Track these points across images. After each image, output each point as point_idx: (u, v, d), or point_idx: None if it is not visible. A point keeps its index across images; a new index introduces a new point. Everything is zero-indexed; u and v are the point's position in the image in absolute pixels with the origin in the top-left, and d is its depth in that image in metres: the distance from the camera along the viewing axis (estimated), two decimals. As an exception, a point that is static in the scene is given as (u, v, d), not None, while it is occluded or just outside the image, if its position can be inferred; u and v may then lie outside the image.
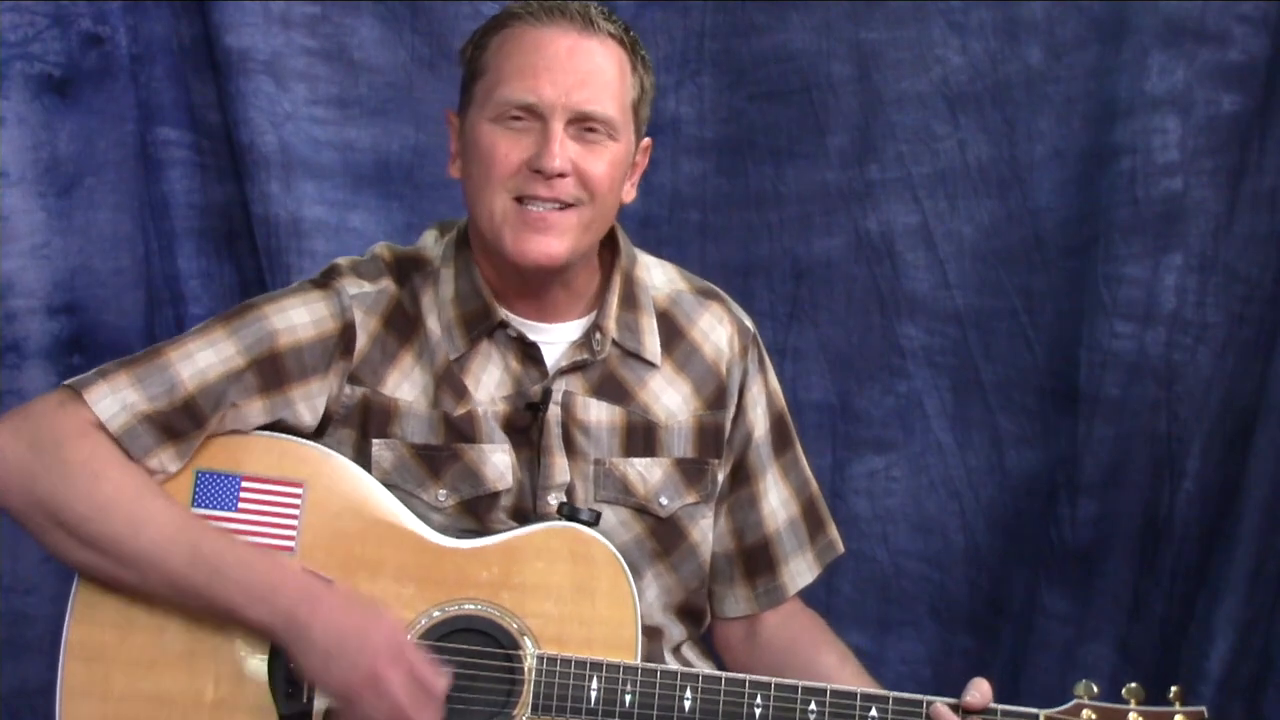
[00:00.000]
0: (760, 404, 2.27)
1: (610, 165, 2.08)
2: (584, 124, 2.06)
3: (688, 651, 2.25)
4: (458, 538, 2.08)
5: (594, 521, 2.08)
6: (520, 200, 2.06)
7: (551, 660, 2.03)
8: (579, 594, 2.05)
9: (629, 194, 2.17)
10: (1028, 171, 2.92)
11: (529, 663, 2.03)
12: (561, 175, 2.04)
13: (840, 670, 2.21)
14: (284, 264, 2.88)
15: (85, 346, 2.81)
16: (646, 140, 2.18)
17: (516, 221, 2.06)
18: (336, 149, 2.93)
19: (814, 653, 2.25)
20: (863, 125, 2.96)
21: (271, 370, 2.07)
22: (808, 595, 2.37)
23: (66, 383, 2.05)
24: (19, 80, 2.75)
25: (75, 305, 2.82)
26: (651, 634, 2.16)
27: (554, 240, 2.06)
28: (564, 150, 2.04)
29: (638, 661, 2.04)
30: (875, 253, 2.98)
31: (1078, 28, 2.89)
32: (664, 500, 2.18)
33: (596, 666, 2.03)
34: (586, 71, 2.05)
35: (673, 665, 2.13)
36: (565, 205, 2.06)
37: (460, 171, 2.14)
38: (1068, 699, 2.08)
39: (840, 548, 2.34)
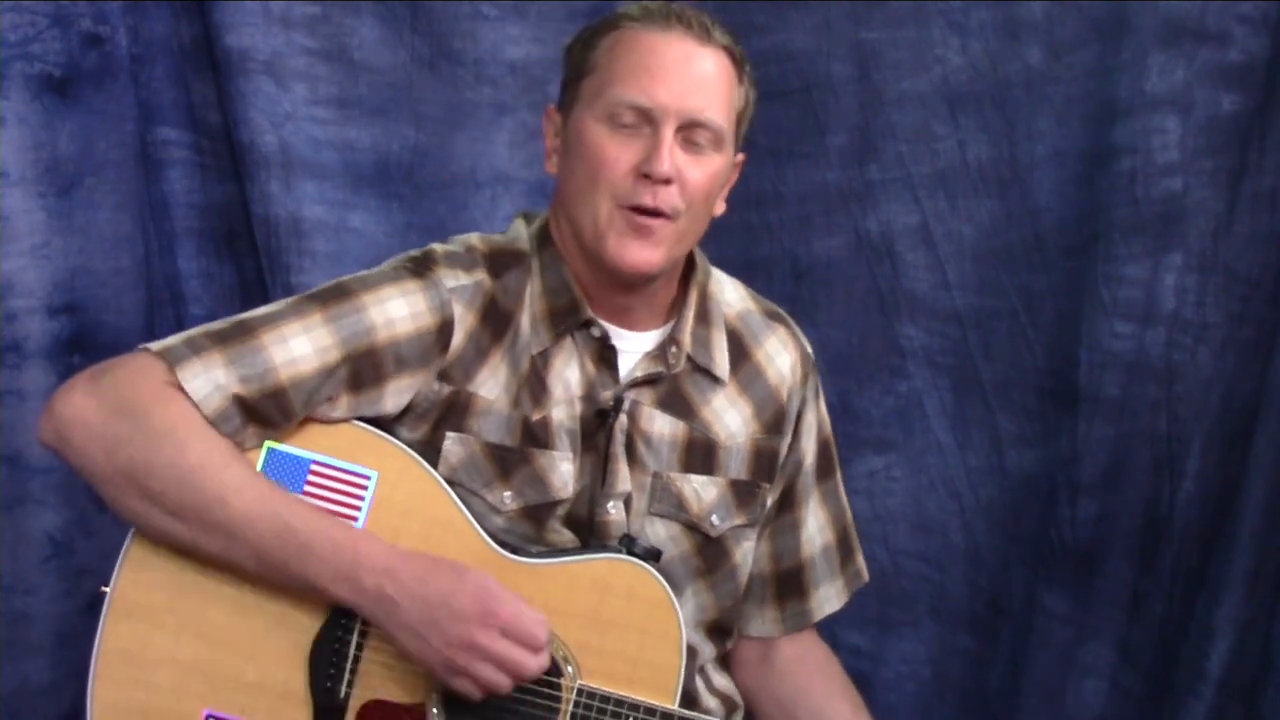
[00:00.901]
0: (813, 432, 2.27)
1: (710, 176, 2.08)
2: (692, 131, 2.06)
3: (710, 670, 2.25)
4: (517, 553, 2.06)
5: (653, 558, 2.06)
6: (625, 207, 2.05)
7: (591, 693, 2.02)
8: (628, 631, 2.04)
9: (719, 207, 2.17)
10: (1028, 171, 2.92)
11: (570, 693, 2.02)
12: (668, 181, 2.04)
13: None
14: (284, 264, 2.88)
15: (85, 346, 2.81)
16: (741, 155, 2.18)
17: (622, 226, 2.05)
18: (336, 149, 2.93)
19: (828, 698, 2.27)
20: (863, 125, 2.96)
21: (367, 366, 2.04)
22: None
23: (153, 348, 2.00)
24: (19, 80, 2.74)
25: (75, 305, 2.81)
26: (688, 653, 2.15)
27: (652, 249, 2.06)
28: (673, 156, 2.04)
29: (675, 708, 2.03)
30: (875, 253, 2.98)
31: (1078, 28, 2.89)
32: (715, 520, 2.17)
33: (634, 708, 2.02)
34: (700, 79, 2.05)
35: (703, 716, 2.11)
36: (666, 216, 2.06)
37: (558, 167, 2.12)
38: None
39: (866, 576, 2.36)
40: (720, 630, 2.24)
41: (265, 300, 2.79)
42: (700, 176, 2.06)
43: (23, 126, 2.75)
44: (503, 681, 1.95)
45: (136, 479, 1.95)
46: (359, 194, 2.95)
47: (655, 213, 2.04)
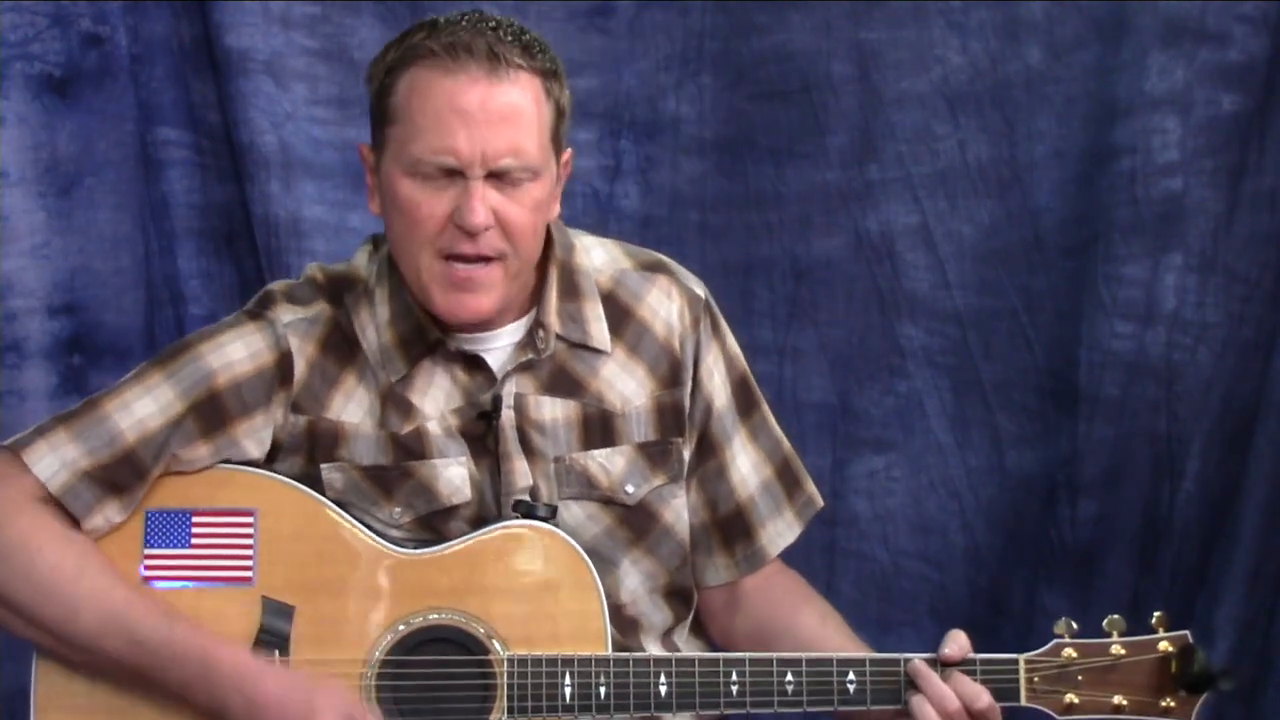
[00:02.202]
0: (718, 373, 2.23)
1: (532, 209, 2.04)
2: (502, 174, 2.01)
3: (677, 637, 2.23)
4: (416, 548, 2.07)
5: (550, 516, 2.06)
6: (446, 257, 2.03)
7: (522, 661, 2.02)
8: (542, 590, 2.04)
9: (554, 210, 2.13)
10: (1028, 171, 2.92)
11: (500, 666, 2.02)
12: (487, 228, 2.01)
13: (820, 629, 2.19)
14: (284, 264, 2.88)
15: (85, 346, 2.81)
16: (567, 153, 2.13)
17: (444, 280, 2.03)
18: (336, 149, 2.93)
19: (793, 614, 2.23)
20: (863, 125, 2.96)
21: (212, 411, 2.05)
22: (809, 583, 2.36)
23: (4, 443, 2.03)
24: (19, 80, 2.74)
25: (75, 305, 2.81)
26: (629, 626, 2.15)
27: (482, 297, 2.04)
28: (485, 203, 2.00)
29: (609, 652, 2.03)
30: (875, 253, 2.98)
31: (1078, 28, 2.89)
32: (630, 488, 2.16)
33: (568, 662, 2.01)
34: (500, 119, 1.99)
35: (644, 652, 2.11)
36: (490, 259, 2.03)
37: (380, 210, 2.10)
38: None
39: (819, 502, 2.30)
40: (677, 594, 2.22)
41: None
42: (520, 211, 2.03)
43: (23, 126, 2.75)
44: None
45: None
46: (359, 194, 2.92)
47: (478, 258, 2.02)
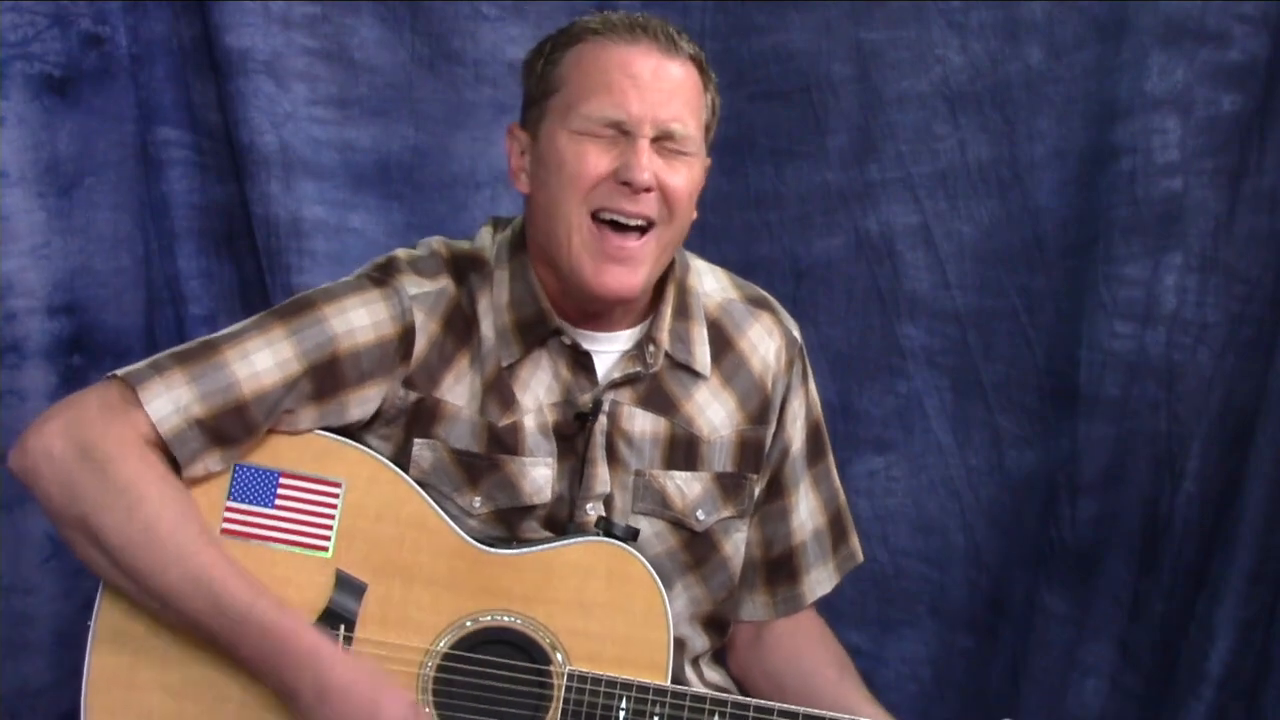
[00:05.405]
0: (800, 418, 2.26)
1: (689, 181, 2.08)
2: (667, 140, 2.05)
3: (704, 664, 2.25)
4: (494, 545, 2.07)
5: (631, 538, 2.06)
6: (599, 217, 2.04)
7: (582, 677, 2.03)
8: (613, 612, 2.05)
9: (693, 212, 2.15)
10: (1028, 171, 2.92)
11: (560, 678, 2.03)
12: (648, 190, 2.03)
13: (838, 684, 2.22)
14: (284, 264, 2.88)
15: (85, 346, 2.81)
16: (708, 161, 2.16)
17: (597, 250, 2.04)
18: (336, 149, 2.93)
19: (815, 665, 2.26)
20: (863, 125, 2.96)
21: (329, 376, 2.05)
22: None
23: (119, 373, 2.01)
24: (19, 80, 2.74)
25: (75, 305, 2.81)
26: (676, 646, 2.14)
27: (633, 272, 2.06)
28: (651, 164, 2.03)
29: (667, 684, 2.04)
30: (875, 253, 2.98)
31: (1078, 28, 2.89)
32: (701, 515, 2.18)
33: (627, 687, 2.02)
34: (671, 90, 2.05)
35: (700, 689, 2.12)
36: (644, 229, 2.05)
37: (529, 185, 2.11)
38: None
39: (860, 557, 2.35)
40: (715, 623, 2.24)
41: (266, 300, 2.80)
42: (680, 182, 2.06)
43: (23, 126, 2.75)
44: None
45: (90, 531, 1.97)
46: (359, 194, 2.95)
47: (635, 227, 2.04)
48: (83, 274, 2.82)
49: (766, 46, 2.95)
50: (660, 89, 2.04)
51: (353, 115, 2.94)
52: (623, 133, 2.03)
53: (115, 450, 1.97)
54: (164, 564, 1.96)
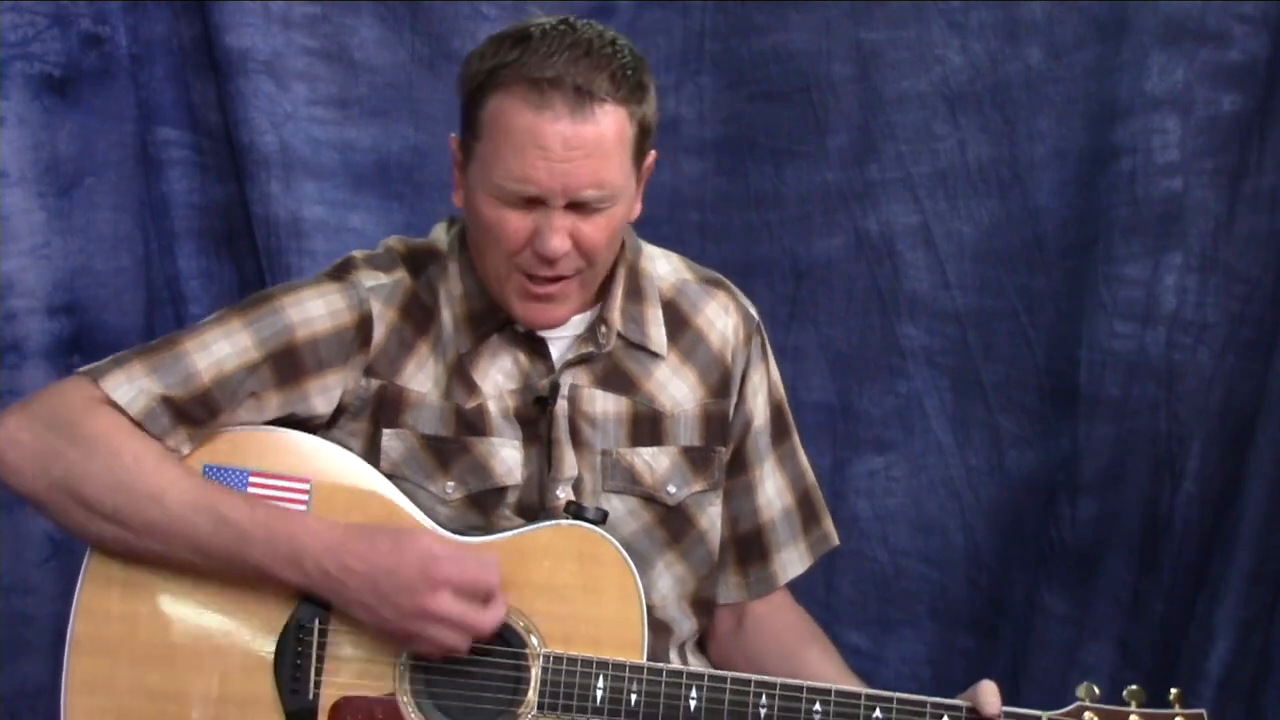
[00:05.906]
0: (761, 393, 2.27)
1: (609, 225, 2.07)
2: (583, 202, 2.04)
3: (689, 651, 2.25)
4: (465, 535, 2.08)
5: (601, 520, 2.08)
6: (520, 268, 2.06)
7: (558, 659, 2.03)
8: (586, 593, 2.05)
9: (635, 211, 2.15)
10: (1028, 171, 2.92)
11: (535, 661, 2.04)
12: (564, 256, 2.04)
13: (820, 667, 2.21)
14: (284, 264, 2.88)
15: (85, 346, 2.81)
16: (650, 156, 2.14)
17: (521, 292, 2.08)
18: (336, 149, 2.93)
19: (795, 648, 2.26)
20: (863, 125, 2.96)
21: (288, 365, 2.07)
22: (809, 594, 2.37)
23: (80, 370, 2.05)
24: (19, 80, 2.75)
25: (75, 305, 2.82)
26: (660, 630, 2.17)
27: (559, 307, 2.10)
28: (562, 232, 2.03)
29: (644, 661, 2.04)
30: (875, 253, 2.98)
31: (1078, 28, 2.89)
32: (671, 489, 2.19)
33: (603, 665, 2.03)
34: (583, 155, 2.01)
35: (678, 665, 2.13)
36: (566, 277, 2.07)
37: (463, 205, 2.12)
38: (1069, 700, 2.08)
39: (835, 540, 2.34)
40: (702, 604, 2.24)
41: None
42: (598, 231, 2.06)
43: (23, 126, 2.76)
44: (460, 642, 1.99)
45: (72, 488, 1.99)
46: (359, 194, 2.95)
47: (553, 280, 2.06)
48: (83, 274, 2.82)
49: (766, 46, 2.95)
50: (571, 159, 2.00)
51: (353, 115, 2.94)
52: (538, 200, 2.03)
53: (80, 413, 2.00)
54: (159, 491, 1.99)
